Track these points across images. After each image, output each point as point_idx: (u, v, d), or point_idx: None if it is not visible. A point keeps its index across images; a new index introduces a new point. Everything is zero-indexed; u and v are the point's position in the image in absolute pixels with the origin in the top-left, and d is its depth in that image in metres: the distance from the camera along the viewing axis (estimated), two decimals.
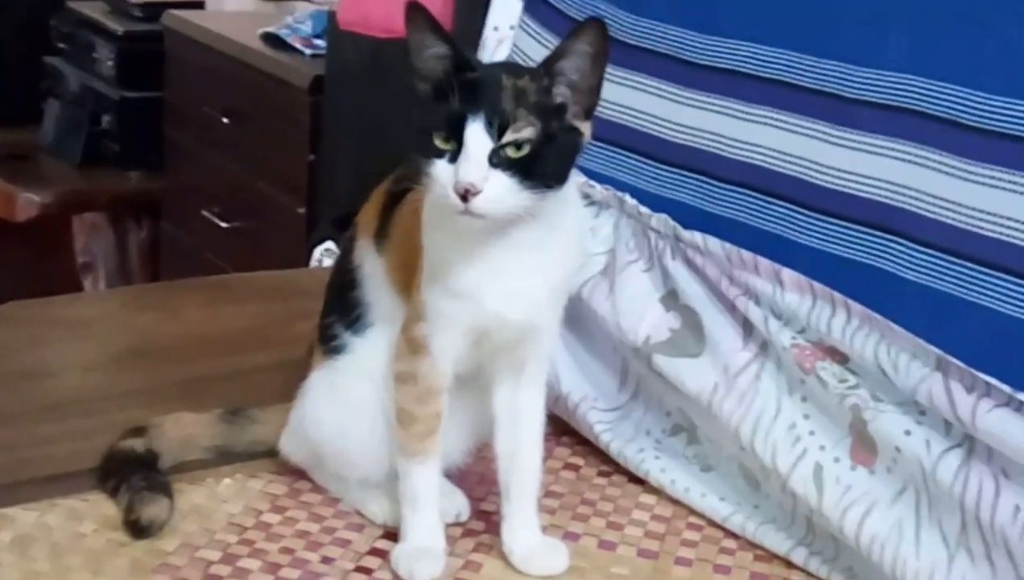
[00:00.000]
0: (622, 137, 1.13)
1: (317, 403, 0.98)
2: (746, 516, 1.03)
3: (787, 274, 0.98)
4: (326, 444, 0.98)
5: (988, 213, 0.88)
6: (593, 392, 1.13)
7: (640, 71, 1.12)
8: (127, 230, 2.83)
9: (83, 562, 0.91)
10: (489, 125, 0.80)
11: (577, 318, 1.08)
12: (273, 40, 2.45)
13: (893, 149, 0.95)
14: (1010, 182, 0.87)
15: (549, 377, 0.97)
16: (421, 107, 0.84)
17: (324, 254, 1.98)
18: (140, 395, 1.15)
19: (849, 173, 0.97)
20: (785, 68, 1.02)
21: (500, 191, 0.81)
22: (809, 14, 1.01)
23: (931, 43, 0.93)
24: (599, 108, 0.86)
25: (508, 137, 0.80)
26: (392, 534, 0.96)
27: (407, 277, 0.91)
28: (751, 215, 1.04)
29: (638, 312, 1.08)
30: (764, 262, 1.00)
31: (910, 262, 0.93)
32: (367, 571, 0.93)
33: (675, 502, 1.06)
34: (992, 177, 0.88)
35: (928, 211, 0.92)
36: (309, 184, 2.33)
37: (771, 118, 1.03)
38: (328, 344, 0.98)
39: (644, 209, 1.10)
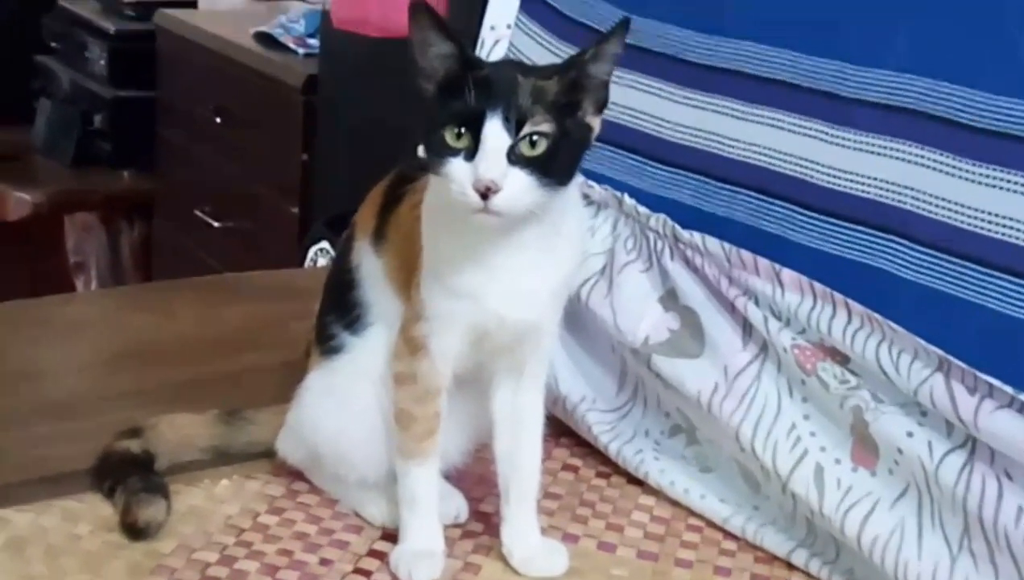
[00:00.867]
0: (620, 137, 1.12)
1: (315, 404, 0.98)
2: (746, 517, 1.02)
3: (787, 274, 0.98)
4: (324, 445, 0.98)
5: (989, 213, 0.88)
6: (592, 393, 1.13)
7: (638, 70, 1.12)
8: (119, 230, 2.82)
9: (79, 564, 0.90)
10: (507, 121, 0.80)
11: (575, 319, 1.08)
12: (266, 39, 2.44)
13: (893, 149, 0.94)
14: (1011, 182, 0.87)
15: (548, 378, 0.96)
16: (427, 106, 0.83)
17: (318, 254, 1.98)
18: (135, 396, 1.14)
19: (848, 173, 0.97)
20: (784, 68, 1.02)
21: (519, 188, 0.80)
22: (809, 14, 1.01)
23: (932, 43, 0.92)
24: None
25: (527, 129, 0.80)
26: (391, 536, 0.95)
27: (406, 277, 0.91)
28: (750, 215, 1.03)
29: (637, 312, 1.07)
30: (764, 262, 1.00)
31: (910, 262, 0.92)
32: (366, 573, 0.92)
33: (675, 503, 1.06)
34: (993, 177, 0.88)
35: (928, 211, 0.92)
36: (302, 184, 2.33)
37: (770, 118, 1.03)
38: (326, 344, 0.97)
39: (643, 209, 1.09)
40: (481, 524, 1.00)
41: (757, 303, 1.00)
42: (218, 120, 2.51)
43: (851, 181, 0.97)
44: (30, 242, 2.78)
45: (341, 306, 0.97)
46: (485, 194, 0.79)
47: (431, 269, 0.88)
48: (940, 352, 0.88)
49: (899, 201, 0.93)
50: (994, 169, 0.88)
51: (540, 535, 0.95)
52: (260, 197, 2.43)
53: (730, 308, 1.03)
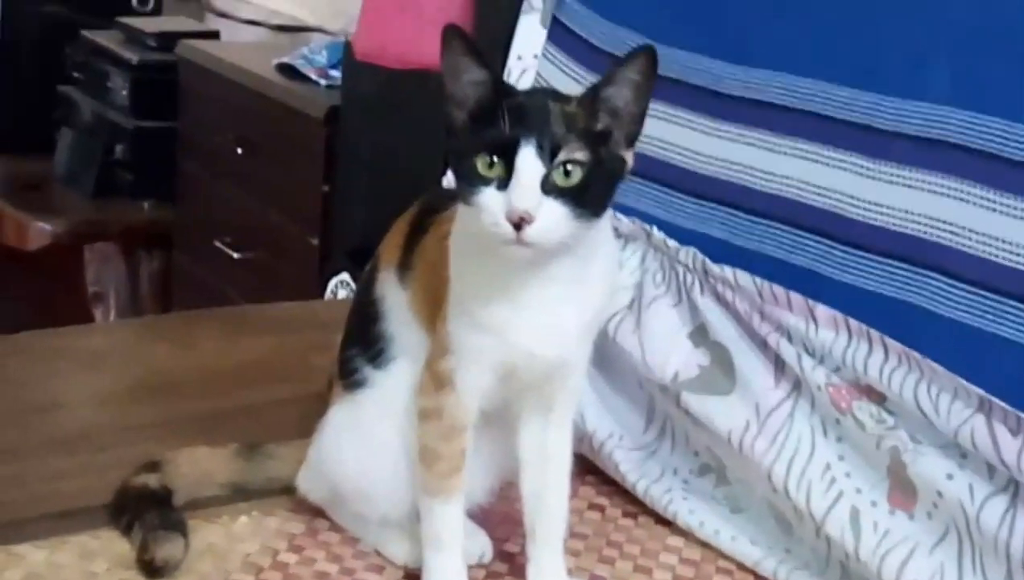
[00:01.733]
0: (649, 169, 1.11)
1: (336, 439, 0.96)
2: (778, 560, 1.00)
3: (821, 310, 0.96)
4: (346, 482, 0.96)
5: None
6: (619, 430, 1.11)
7: (668, 101, 1.10)
8: (139, 260, 2.82)
9: None
10: (540, 149, 0.78)
11: (603, 354, 1.05)
12: (288, 70, 2.44)
13: (929, 182, 0.93)
14: None
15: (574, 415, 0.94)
16: (457, 134, 0.81)
17: (339, 286, 1.96)
18: (154, 429, 1.13)
19: (884, 206, 0.95)
20: (817, 99, 1.00)
21: (554, 219, 0.78)
22: (845, 46, 0.99)
23: (972, 76, 0.91)
24: None
25: (561, 157, 0.78)
26: (414, 576, 0.93)
27: (432, 309, 0.89)
28: (782, 249, 1.02)
29: (666, 348, 1.05)
30: (797, 297, 0.98)
31: (948, 298, 0.91)
32: None
33: (704, 545, 1.04)
34: None
35: (966, 246, 0.90)
36: (323, 215, 2.32)
37: (802, 150, 1.01)
38: (348, 378, 0.96)
39: (672, 242, 1.08)
40: (506, 564, 0.97)
41: (790, 340, 0.98)
42: (239, 151, 2.50)
43: (887, 215, 0.95)
44: (49, 272, 2.78)
45: (364, 339, 0.95)
46: (518, 225, 0.77)
47: (458, 302, 0.86)
48: (981, 392, 0.86)
49: (937, 236, 0.92)
50: None
51: (566, 576, 0.93)
52: (280, 228, 2.42)
53: (762, 344, 1.01)
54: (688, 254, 1.06)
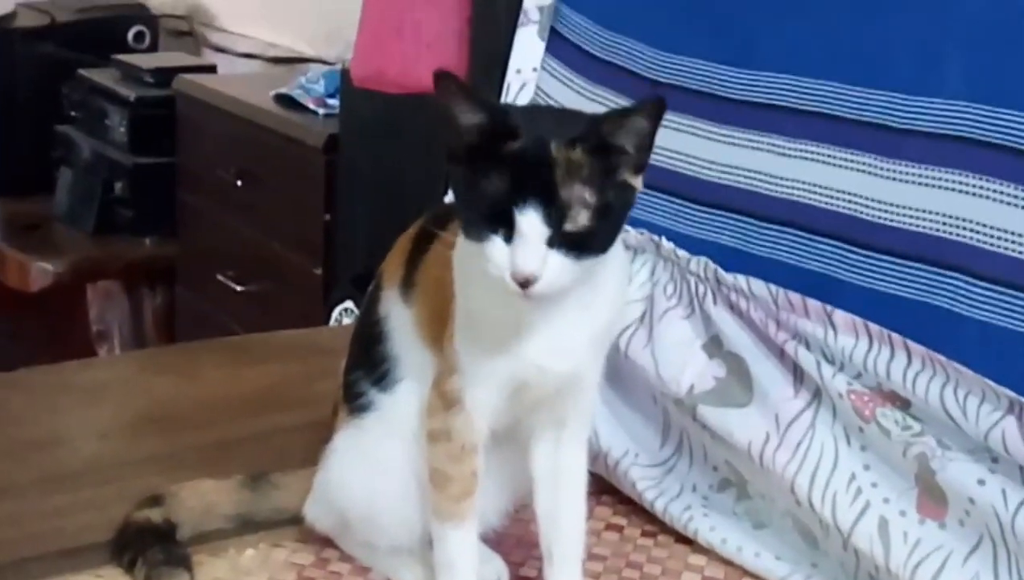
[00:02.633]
0: (655, 178, 1.08)
1: (343, 466, 0.93)
2: (805, 576, 0.97)
3: (839, 315, 0.94)
4: (354, 509, 0.93)
5: None
6: (634, 447, 1.08)
7: (672, 109, 1.07)
8: (142, 297, 2.80)
9: None
10: (546, 213, 0.75)
11: (615, 370, 1.03)
12: (286, 101, 2.43)
13: (946, 179, 0.90)
14: None
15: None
16: (461, 171, 0.79)
17: (343, 314, 1.94)
18: (157, 462, 1.11)
19: (901, 206, 0.93)
20: (827, 100, 0.98)
21: (559, 272, 0.77)
22: (854, 44, 0.97)
23: (986, 69, 0.89)
24: None
25: (567, 228, 0.76)
26: None
27: (438, 327, 0.87)
28: (796, 255, 0.99)
29: (680, 361, 1.03)
30: (814, 304, 0.95)
31: (972, 298, 0.88)
32: None
33: (727, 562, 1.01)
34: None
35: (986, 243, 0.88)
36: (325, 244, 2.31)
37: (813, 152, 0.99)
38: (353, 402, 0.93)
39: (682, 252, 1.05)
40: None
41: (808, 347, 0.96)
42: (239, 184, 2.49)
43: (904, 215, 0.93)
44: (53, 312, 2.76)
45: (369, 361, 0.92)
46: (524, 284, 0.76)
47: (465, 318, 0.84)
48: (1011, 393, 0.84)
49: (957, 234, 0.89)
50: None
51: None
52: (283, 259, 2.41)
53: (779, 353, 0.98)
54: (699, 264, 1.03)
